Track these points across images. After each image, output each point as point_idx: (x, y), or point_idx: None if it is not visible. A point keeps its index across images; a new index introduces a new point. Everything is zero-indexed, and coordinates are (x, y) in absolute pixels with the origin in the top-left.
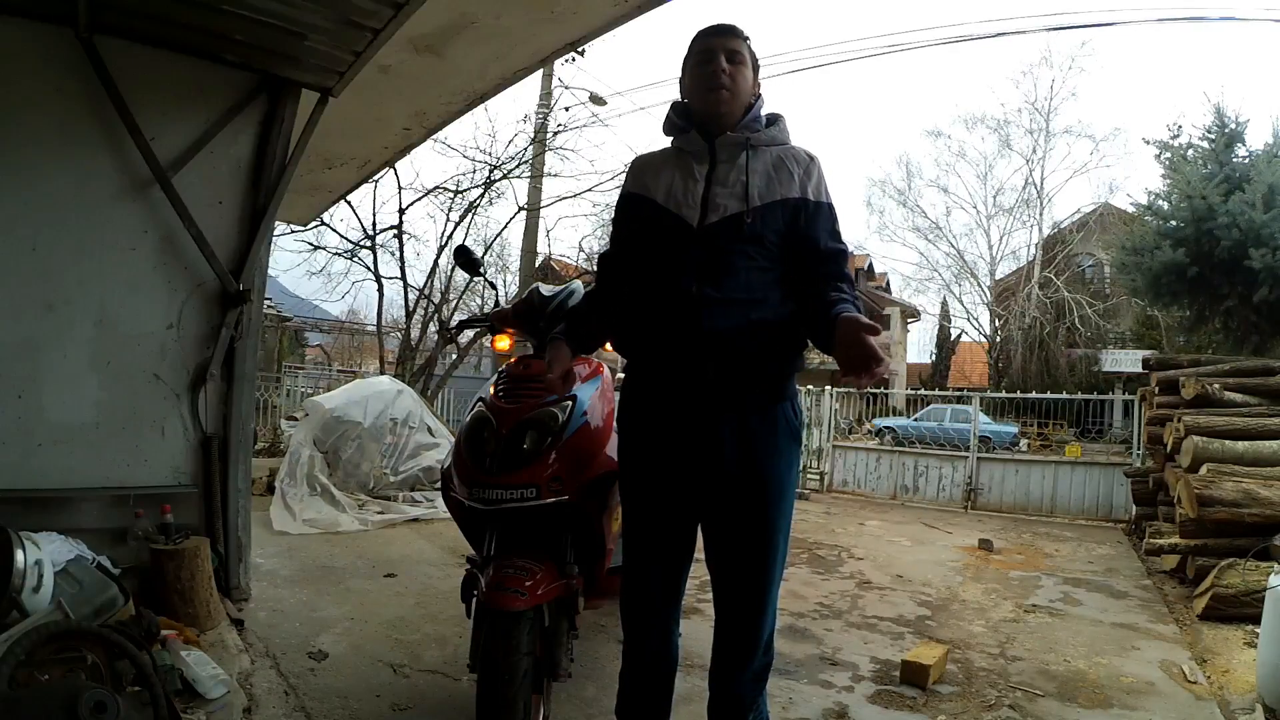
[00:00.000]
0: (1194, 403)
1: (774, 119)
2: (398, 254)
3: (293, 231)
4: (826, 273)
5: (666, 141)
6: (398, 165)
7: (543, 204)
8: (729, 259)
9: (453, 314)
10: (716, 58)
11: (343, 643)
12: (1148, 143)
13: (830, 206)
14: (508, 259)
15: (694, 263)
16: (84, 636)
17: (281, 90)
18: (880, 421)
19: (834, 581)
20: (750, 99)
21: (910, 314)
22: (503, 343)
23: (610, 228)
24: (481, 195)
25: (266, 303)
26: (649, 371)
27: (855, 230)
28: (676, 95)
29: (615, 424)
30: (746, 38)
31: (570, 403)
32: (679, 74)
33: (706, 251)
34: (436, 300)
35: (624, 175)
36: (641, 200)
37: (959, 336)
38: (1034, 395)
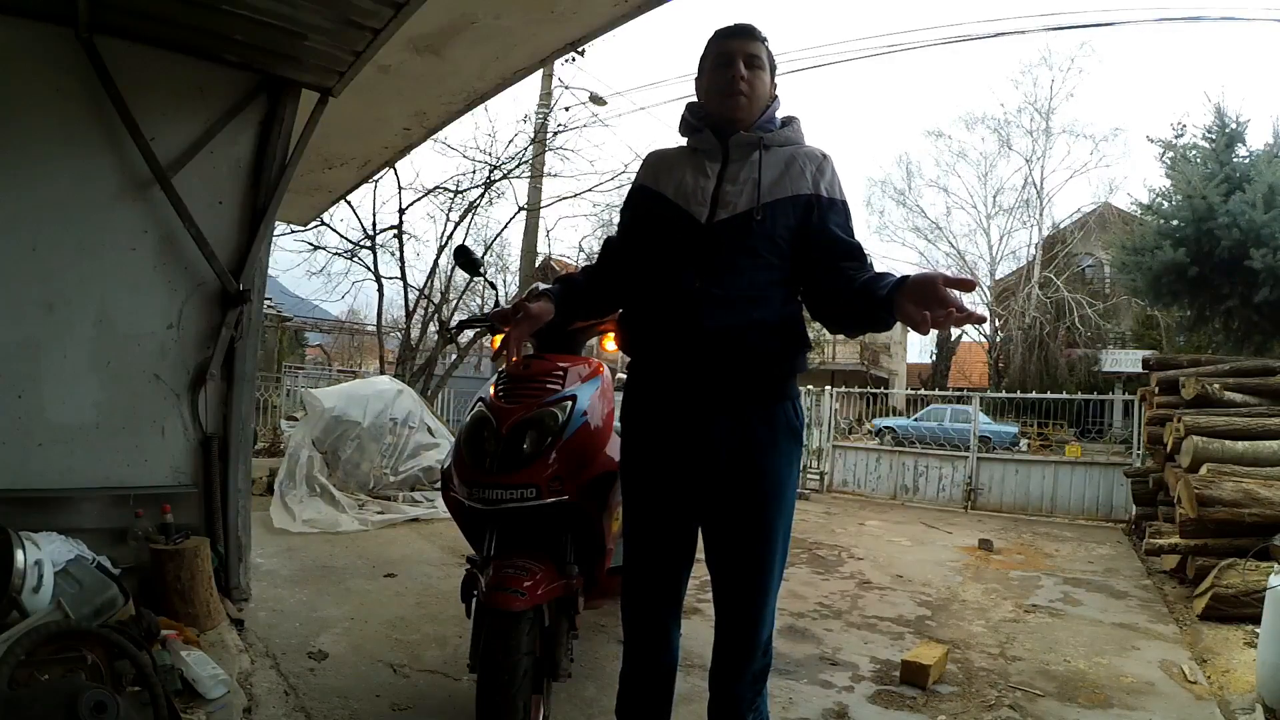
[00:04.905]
0: (1194, 403)
1: (789, 120)
2: (398, 254)
3: (293, 231)
4: (856, 266)
5: (671, 140)
6: (398, 165)
7: (543, 204)
8: (734, 257)
9: (453, 314)
10: (735, 63)
11: (343, 643)
12: (1151, 141)
13: (844, 204)
14: (508, 259)
15: (698, 259)
16: (84, 636)
17: (281, 90)
18: (880, 421)
19: (834, 581)
20: (767, 102)
21: None
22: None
23: (616, 220)
24: (481, 195)
25: (266, 303)
26: (651, 369)
27: (855, 230)
28: (675, 95)
29: (617, 423)
30: (765, 39)
31: (570, 402)
32: (695, 74)
33: (712, 248)
34: (436, 300)
35: (635, 169)
36: (652, 194)
37: (959, 337)
38: (1034, 395)
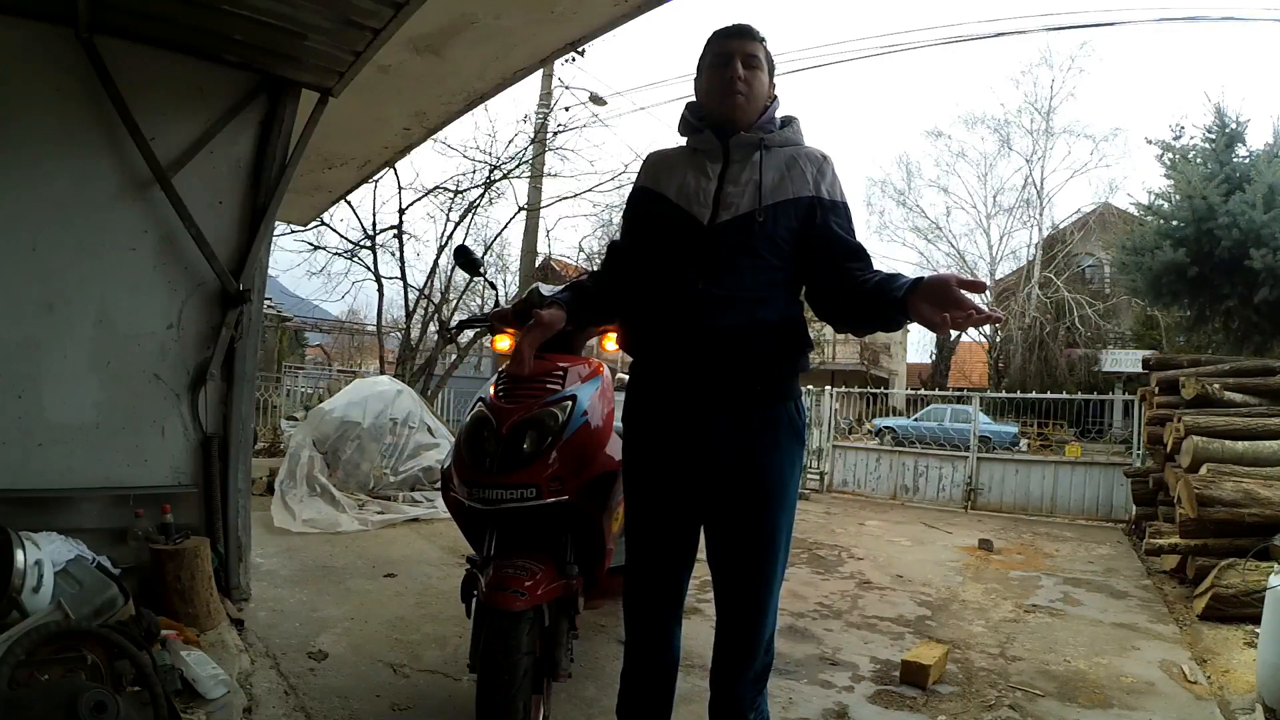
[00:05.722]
0: (1194, 403)
1: (788, 120)
2: (398, 254)
3: (293, 231)
4: (861, 266)
5: (671, 140)
6: (398, 165)
7: (543, 204)
8: (736, 257)
9: (453, 314)
10: (733, 62)
11: (343, 643)
12: (1150, 142)
13: (845, 205)
14: (508, 259)
15: (700, 260)
16: (84, 636)
17: (281, 90)
18: (880, 421)
19: (834, 581)
20: (766, 102)
21: None
22: (503, 343)
23: (619, 222)
24: (481, 195)
25: (266, 303)
26: (653, 369)
27: (856, 229)
28: (675, 95)
29: (620, 422)
30: (763, 39)
31: (570, 403)
32: (694, 73)
33: (714, 249)
34: (436, 300)
35: (636, 170)
36: (654, 196)
37: (959, 336)
38: (1034, 395)
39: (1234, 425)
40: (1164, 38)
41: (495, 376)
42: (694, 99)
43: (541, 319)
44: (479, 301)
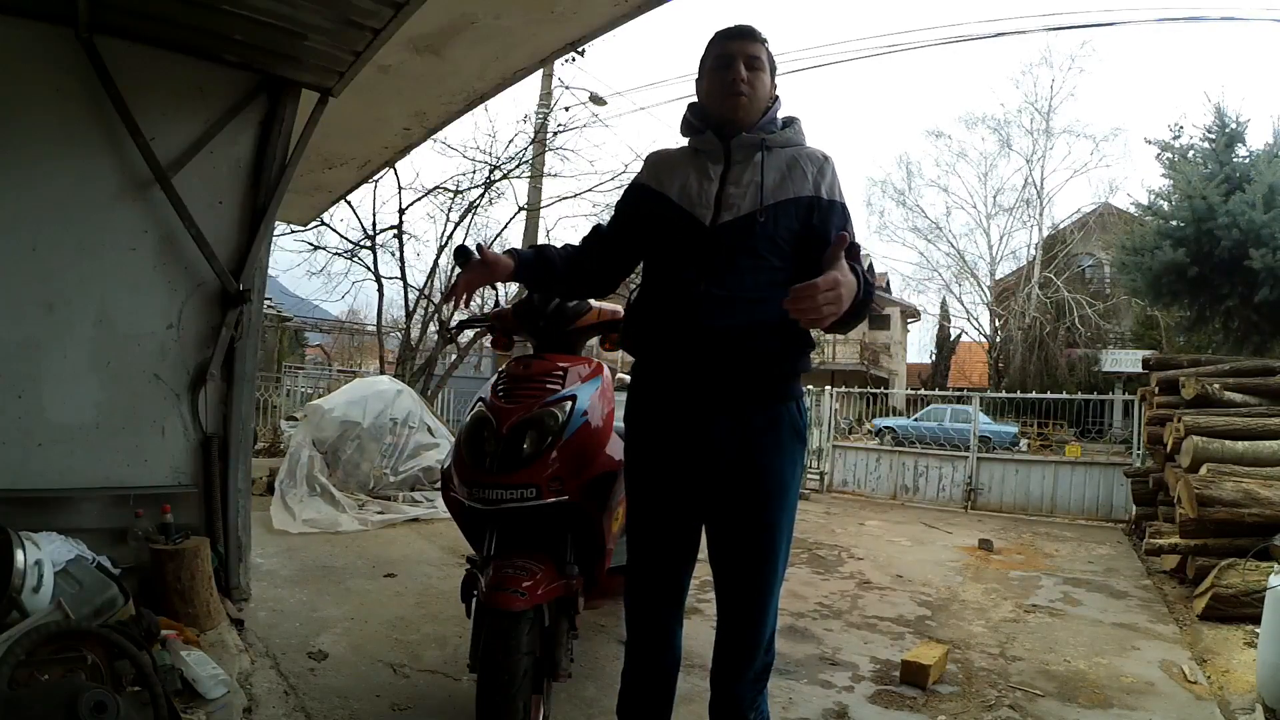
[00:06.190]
0: (1194, 403)
1: (790, 121)
2: (398, 254)
3: (293, 231)
4: (853, 266)
5: (671, 140)
6: (398, 165)
7: (543, 204)
8: (737, 258)
9: (453, 314)
10: (735, 64)
11: (343, 643)
12: (1149, 142)
13: (844, 206)
14: None
15: (702, 261)
16: (84, 636)
17: (281, 90)
18: (880, 421)
19: (834, 581)
20: (767, 103)
21: (910, 314)
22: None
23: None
24: (481, 195)
25: (266, 303)
26: (654, 369)
27: (855, 230)
28: (675, 95)
29: (618, 423)
30: (765, 40)
31: (570, 403)
32: (696, 75)
33: (716, 250)
34: (436, 300)
35: (635, 169)
36: (655, 195)
37: (959, 336)
38: (1034, 395)
39: (1234, 425)
40: (1164, 38)
41: (495, 376)
42: (695, 100)
43: (486, 257)
44: (479, 301)
